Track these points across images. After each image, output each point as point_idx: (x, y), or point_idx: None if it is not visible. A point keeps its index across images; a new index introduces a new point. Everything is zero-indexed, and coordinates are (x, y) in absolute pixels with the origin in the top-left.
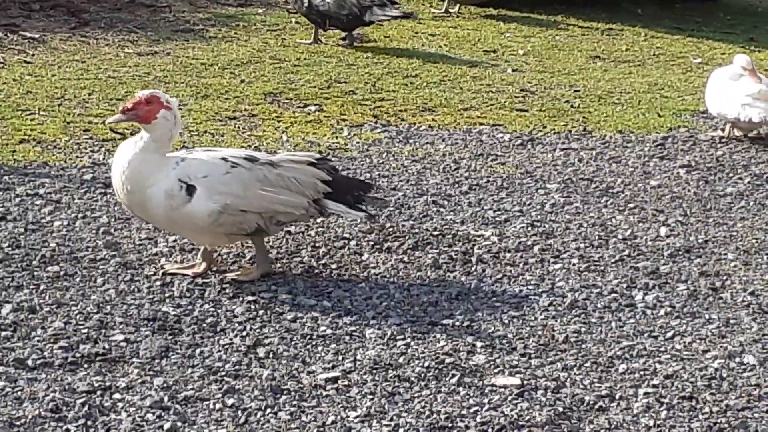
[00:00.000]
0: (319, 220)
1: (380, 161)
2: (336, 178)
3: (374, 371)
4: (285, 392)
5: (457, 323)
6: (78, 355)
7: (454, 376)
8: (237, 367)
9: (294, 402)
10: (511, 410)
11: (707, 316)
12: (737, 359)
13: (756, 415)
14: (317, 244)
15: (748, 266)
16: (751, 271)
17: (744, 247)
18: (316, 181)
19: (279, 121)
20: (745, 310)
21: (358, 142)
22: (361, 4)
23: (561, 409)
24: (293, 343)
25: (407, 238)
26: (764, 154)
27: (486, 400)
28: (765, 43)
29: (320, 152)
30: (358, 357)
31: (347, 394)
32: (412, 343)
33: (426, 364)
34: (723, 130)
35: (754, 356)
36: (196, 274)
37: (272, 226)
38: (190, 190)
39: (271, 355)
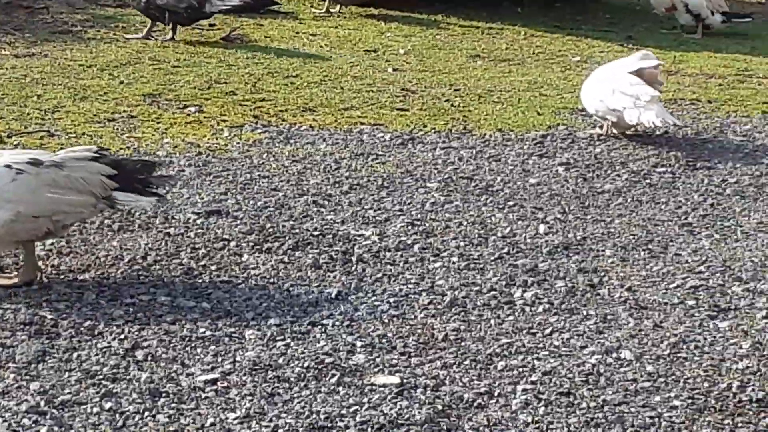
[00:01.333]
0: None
1: (261, 162)
2: (121, 169)
3: (253, 372)
4: (163, 395)
5: (337, 323)
6: None
7: (333, 375)
8: (115, 371)
9: (173, 404)
10: (391, 409)
11: (585, 313)
12: (614, 354)
13: (632, 409)
14: (197, 246)
15: (625, 262)
16: (628, 267)
17: (621, 243)
18: (103, 178)
19: (158, 123)
20: (622, 305)
21: (238, 143)
22: None
23: (440, 407)
24: (172, 345)
25: (287, 238)
26: (641, 151)
27: (365, 400)
28: (643, 41)
29: (100, 146)
30: (238, 358)
31: (226, 396)
32: (292, 343)
33: (306, 364)
34: (601, 127)
35: (631, 351)
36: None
37: (60, 228)
38: None
39: (149, 358)
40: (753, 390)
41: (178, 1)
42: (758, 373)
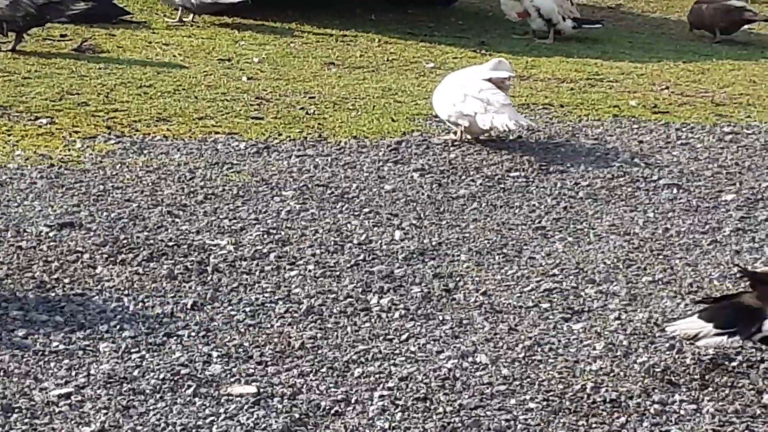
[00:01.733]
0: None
1: (114, 173)
2: None
3: (108, 385)
4: (16, 410)
5: (193, 334)
6: None
7: (190, 387)
8: None
9: (26, 420)
10: (248, 419)
11: (441, 318)
12: (470, 359)
13: (488, 413)
14: (49, 259)
15: (480, 267)
16: (483, 271)
17: (476, 248)
18: None
19: (9, 135)
20: (478, 310)
21: (91, 154)
22: (35, 3)
23: (297, 416)
24: (25, 360)
25: (142, 249)
26: (495, 156)
27: (222, 410)
28: (495, 47)
29: None
30: (92, 371)
31: (81, 410)
32: (147, 355)
33: (161, 376)
34: (455, 133)
35: (486, 355)
36: None
37: None
38: None
39: (1, 374)
40: (606, 391)
41: (14, 10)
42: (611, 374)
